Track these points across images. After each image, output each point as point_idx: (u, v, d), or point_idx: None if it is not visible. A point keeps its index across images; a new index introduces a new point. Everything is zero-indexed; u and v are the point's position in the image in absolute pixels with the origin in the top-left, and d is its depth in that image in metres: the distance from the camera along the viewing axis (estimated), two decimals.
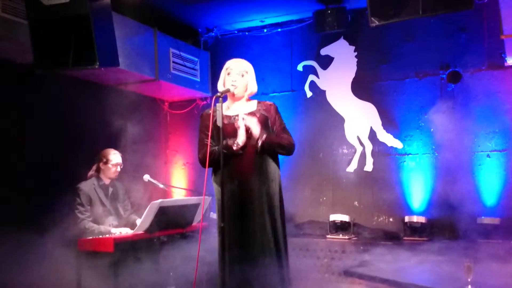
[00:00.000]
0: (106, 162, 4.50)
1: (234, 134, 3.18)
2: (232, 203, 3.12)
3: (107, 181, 4.55)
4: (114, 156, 4.53)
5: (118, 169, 4.56)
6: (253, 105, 3.33)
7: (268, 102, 3.37)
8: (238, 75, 3.27)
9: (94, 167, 4.55)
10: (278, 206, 3.21)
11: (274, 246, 3.12)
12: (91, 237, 3.99)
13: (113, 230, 4.26)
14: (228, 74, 3.29)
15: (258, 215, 3.13)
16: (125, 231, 4.24)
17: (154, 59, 5.47)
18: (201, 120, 3.37)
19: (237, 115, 3.23)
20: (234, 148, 3.15)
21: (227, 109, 3.32)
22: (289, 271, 3.22)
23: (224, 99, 3.29)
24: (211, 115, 3.13)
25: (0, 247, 3.93)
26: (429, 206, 5.20)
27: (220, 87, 3.33)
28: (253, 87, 3.36)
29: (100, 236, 4.02)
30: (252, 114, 3.25)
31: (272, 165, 3.23)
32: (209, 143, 3.19)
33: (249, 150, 3.18)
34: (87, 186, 4.41)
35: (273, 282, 3.06)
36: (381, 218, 5.48)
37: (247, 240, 3.11)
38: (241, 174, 3.16)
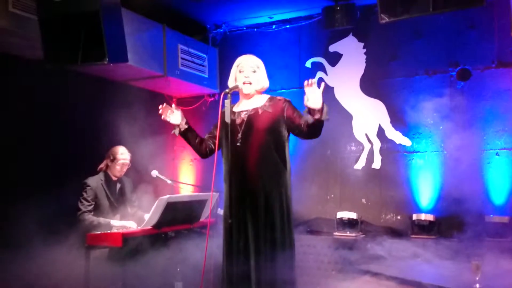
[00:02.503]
0: (113, 160, 4.53)
1: (235, 130, 3.18)
2: (235, 197, 3.12)
3: (114, 178, 4.58)
4: (121, 156, 4.55)
5: (124, 169, 4.58)
6: (262, 100, 3.29)
7: (279, 98, 3.30)
8: (250, 71, 3.25)
9: (104, 162, 4.58)
10: (284, 204, 3.17)
11: (276, 243, 3.10)
12: (98, 232, 4.02)
13: (113, 222, 4.28)
14: (240, 71, 3.27)
15: (261, 211, 3.11)
16: (129, 225, 4.25)
17: (163, 55, 5.48)
18: None
19: (241, 112, 3.23)
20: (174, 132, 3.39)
21: (237, 106, 3.32)
22: (293, 269, 3.19)
23: (236, 97, 3.29)
24: (219, 110, 3.14)
25: (9, 242, 3.97)
26: (437, 204, 5.18)
27: (231, 84, 3.31)
28: (265, 82, 3.33)
29: (104, 231, 4.03)
30: (255, 110, 3.23)
31: (278, 161, 3.17)
32: (217, 136, 3.24)
33: (253, 144, 3.16)
34: (94, 182, 4.44)
35: (276, 279, 3.05)
36: (389, 216, 5.47)
37: (250, 237, 3.10)
38: (245, 169, 3.12)
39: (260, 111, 3.22)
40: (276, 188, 3.15)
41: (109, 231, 4.02)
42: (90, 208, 4.33)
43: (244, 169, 3.13)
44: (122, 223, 4.30)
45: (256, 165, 3.13)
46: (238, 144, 3.14)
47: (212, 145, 3.41)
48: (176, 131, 3.37)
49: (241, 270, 3.06)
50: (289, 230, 3.18)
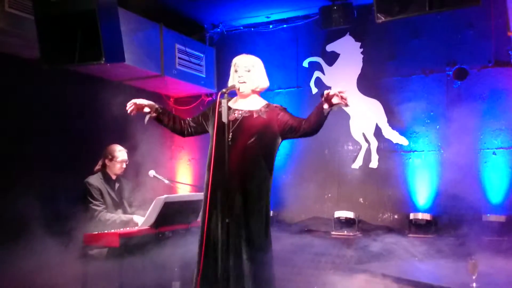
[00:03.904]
0: (112, 159, 4.52)
1: (228, 127, 3.12)
2: (213, 195, 3.12)
3: (113, 176, 4.57)
4: (120, 153, 4.55)
5: (124, 166, 4.58)
6: (259, 104, 3.27)
7: (276, 105, 3.30)
8: (244, 70, 3.23)
9: (100, 163, 4.57)
10: (263, 208, 3.15)
11: (254, 244, 3.07)
12: (96, 232, 4.01)
13: (136, 218, 4.28)
14: (236, 71, 3.27)
15: (238, 211, 3.09)
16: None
17: (160, 55, 5.48)
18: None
19: (236, 110, 3.22)
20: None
21: (234, 102, 3.31)
22: (270, 269, 3.17)
23: (233, 95, 3.29)
24: (217, 103, 3.15)
25: (7, 241, 3.96)
26: (434, 203, 5.19)
27: (230, 83, 3.32)
28: (262, 82, 3.30)
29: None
30: (250, 112, 3.22)
31: (263, 166, 3.17)
32: (215, 130, 3.21)
33: (242, 145, 3.13)
34: (95, 180, 4.42)
35: (255, 278, 3.05)
36: (386, 215, 5.48)
37: (226, 235, 3.07)
38: (228, 167, 3.02)
39: (255, 115, 3.21)
40: (257, 192, 3.14)
41: (108, 231, 4.01)
42: (104, 205, 4.32)
43: (228, 167, 3.04)
44: (141, 219, 4.27)
45: (240, 166, 3.10)
46: (228, 142, 3.09)
47: (191, 130, 3.45)
48: (147, 118, 3.35)
49: (218, 269, 3.05)
50: (266, 233, 3.16)
